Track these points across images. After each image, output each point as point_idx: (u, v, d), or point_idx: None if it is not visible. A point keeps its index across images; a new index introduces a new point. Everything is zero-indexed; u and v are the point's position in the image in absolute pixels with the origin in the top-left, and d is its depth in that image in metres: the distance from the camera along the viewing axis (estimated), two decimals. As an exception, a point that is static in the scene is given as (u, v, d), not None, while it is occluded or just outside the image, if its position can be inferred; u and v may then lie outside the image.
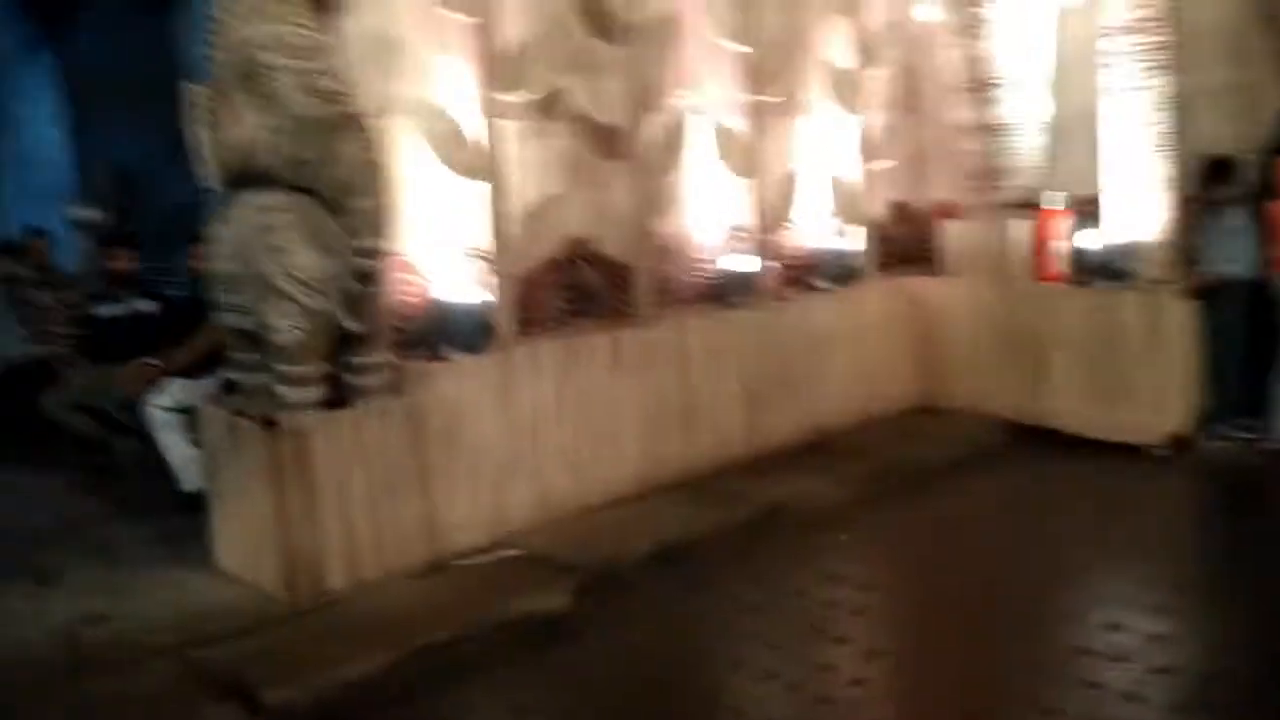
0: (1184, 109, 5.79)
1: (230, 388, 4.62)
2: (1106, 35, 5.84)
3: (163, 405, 5.20)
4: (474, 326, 4.75)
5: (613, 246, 5.28)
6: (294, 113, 3.81)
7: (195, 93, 3.88)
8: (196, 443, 4.86)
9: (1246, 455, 5.79)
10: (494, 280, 4.85)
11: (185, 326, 5.46)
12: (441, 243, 4.85)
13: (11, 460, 6.45)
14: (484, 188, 4.76)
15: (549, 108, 5.11)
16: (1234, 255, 5.80)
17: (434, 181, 4.73)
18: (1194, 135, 5.89)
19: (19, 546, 4.97)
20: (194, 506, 4.70)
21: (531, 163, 5.09)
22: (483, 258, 4.94)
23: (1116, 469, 5.69)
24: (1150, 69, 5.76)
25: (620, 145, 5.34)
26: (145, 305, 5.93)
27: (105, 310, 5.90)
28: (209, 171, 3.94)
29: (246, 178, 3.96)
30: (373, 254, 3.92)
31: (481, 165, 4.73)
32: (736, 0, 5.74)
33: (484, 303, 4.80)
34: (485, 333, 4.79)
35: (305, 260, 3.94)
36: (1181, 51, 5.74)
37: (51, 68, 9.39)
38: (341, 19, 4.21)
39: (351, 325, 4.09)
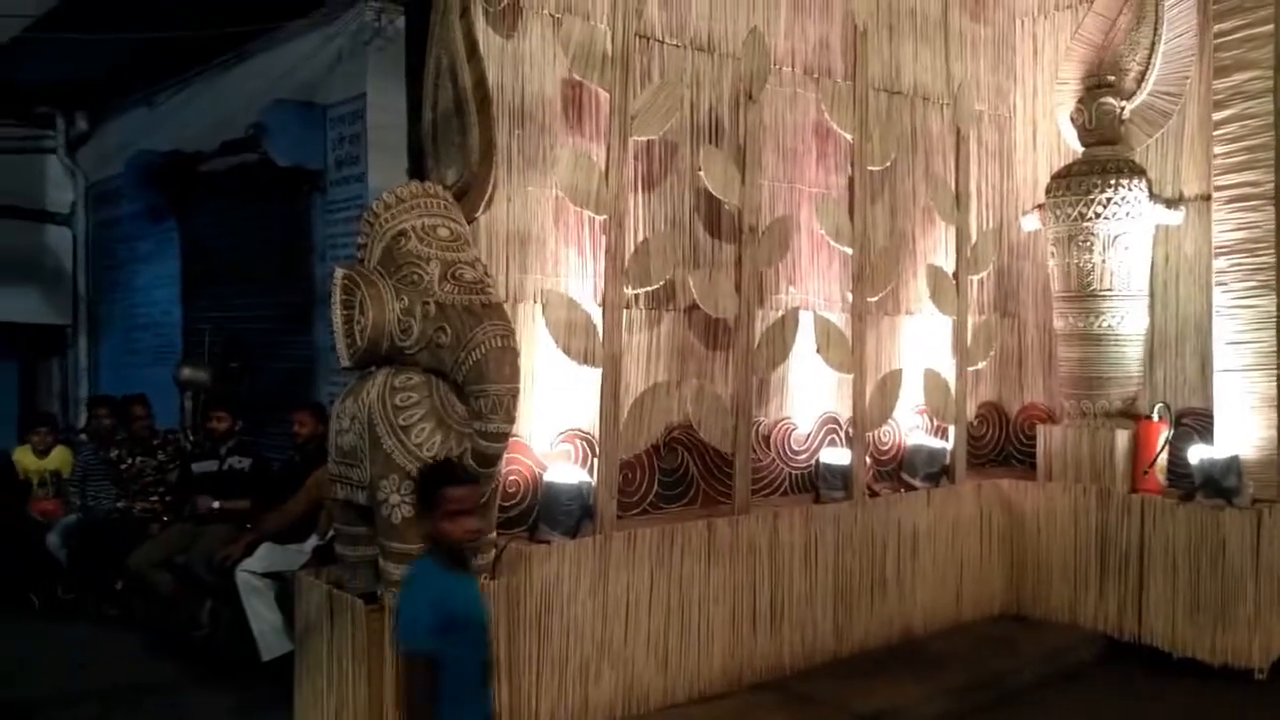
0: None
1: (325, 557, 4.61)
2: (1215, 253, 5.90)
3: (252, 569, 5.20)
4: (575, 509, 4.74)
5: (714, 434, 5.31)
6: (437, 299, 3.93)
7: (338, 274, 4.01)
8: (284, 611, 4.83)
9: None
10: (598, 464, 4.88)
11: (280, 490, 5.53)
12: (550, 425, 4.91)
13: (92, 618, 6.44)
14: (596, 373, 4.84)
15: (664, 299, 5.26)
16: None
17: (550, 366, 4.83)
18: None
19: (89, 709, 4.88)
20: (275, 677, 4.63)
21: (643, 350, 5.20)
22: (589, 441, 4.98)
23: (1214, 692, 5.48)
24: (1255, 288, 5.79)
25: (727, 336, 5.44)
26: (240, 464, 6.03)
27: (200, 468, 5.99)
28: (343, 349, 4.04)
29: (380, 357, 4.06)
30: (496, 437, 3.96)
31: (597, 352, 4.82)
32: (847, 204, 5.92)
33: (586, 486, 4.81)
34: (586, 516, 4.78)
35: (430, 439, 3.99)
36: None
37: (173, 236, 9.91)
38: (484, 214, 4.41)
39: (465, 506, 4.08)
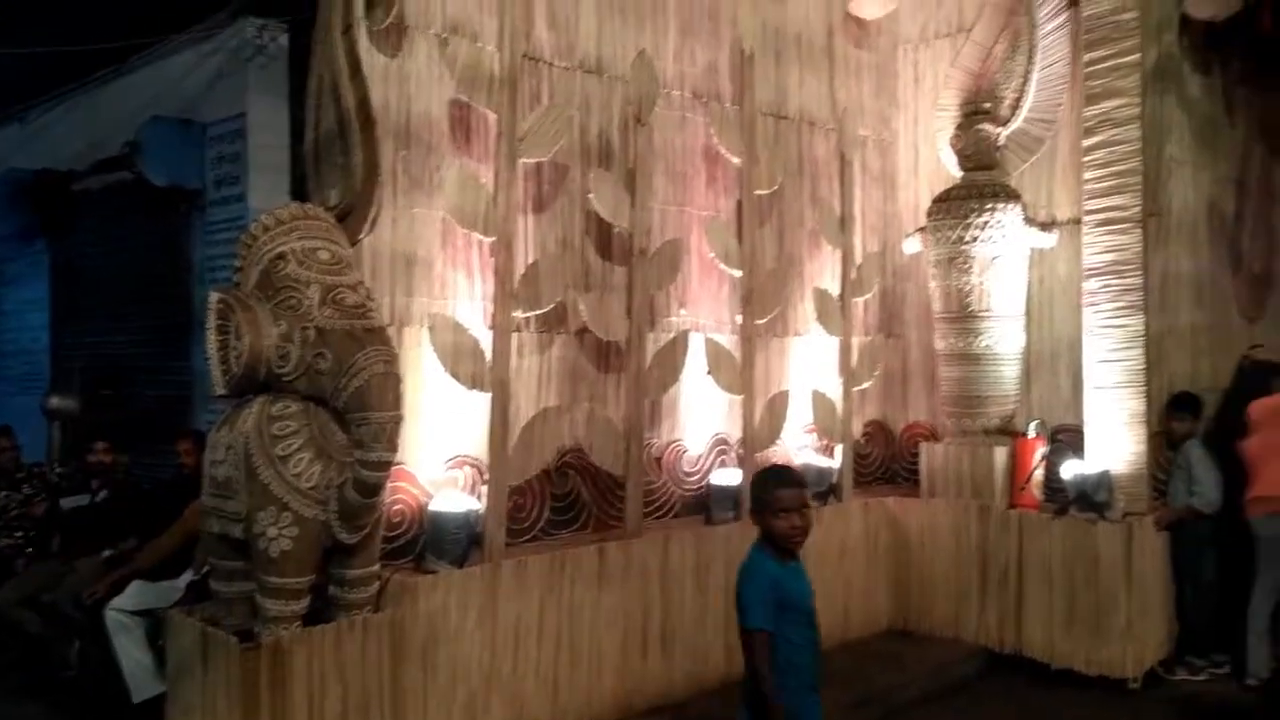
0: (1155, 347, 6.04)
1: (200, 594, 4.42)
2: (1086, 275, 6.12)
3: (122, 607, 4.95)
4: (463, 538, 4.64)
5: (605, 458, 5.28)
6: (317, 324, 3.82)
7: (213, 298, 3.86)
8: (155, 650, 4.61)
9: (1218, 690, 5.81)
10: (487, 491, 4.80)
11: (154, 522, 5.29)
12: (438, 452, 4.82)
13: (-51, 660, 6.07)
14: (485, 398, 4.76)
15: (555, 322, 5.22)
16: (1198, 489, 5.97)
17: (438, 391, 4.74)
18: (1164, 372, 6.16)
19: (-56, 758, 4.61)
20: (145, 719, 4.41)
21: (533, 374, 5.15)
22: (478, 467, 4.90)
23: (1091, 703, 5.66)
24: (1124, 308, 6.02)
25: (619, 359, 5.43)
26: (113, 498, 5.76)
27: (69, 502, 5.70)
28: (218, 376, 3.89)
29: (257, 384, 3.92)
30: (378, 466, 3.85)
31: (486, 376, 4.75)
32: (735, 228, 5.97)
33: (474, 513, 4.72)
34: (474, 544, 4.69)
35: (309, 470, 3.86)
36: (1153, 294, 6.03)
37: (44, 257, 9.48)
38: (368, 236, 4.30)
39: (346, 538, 3.97)
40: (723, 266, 5.93)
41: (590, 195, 5.32)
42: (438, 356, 4.64)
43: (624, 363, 5.42)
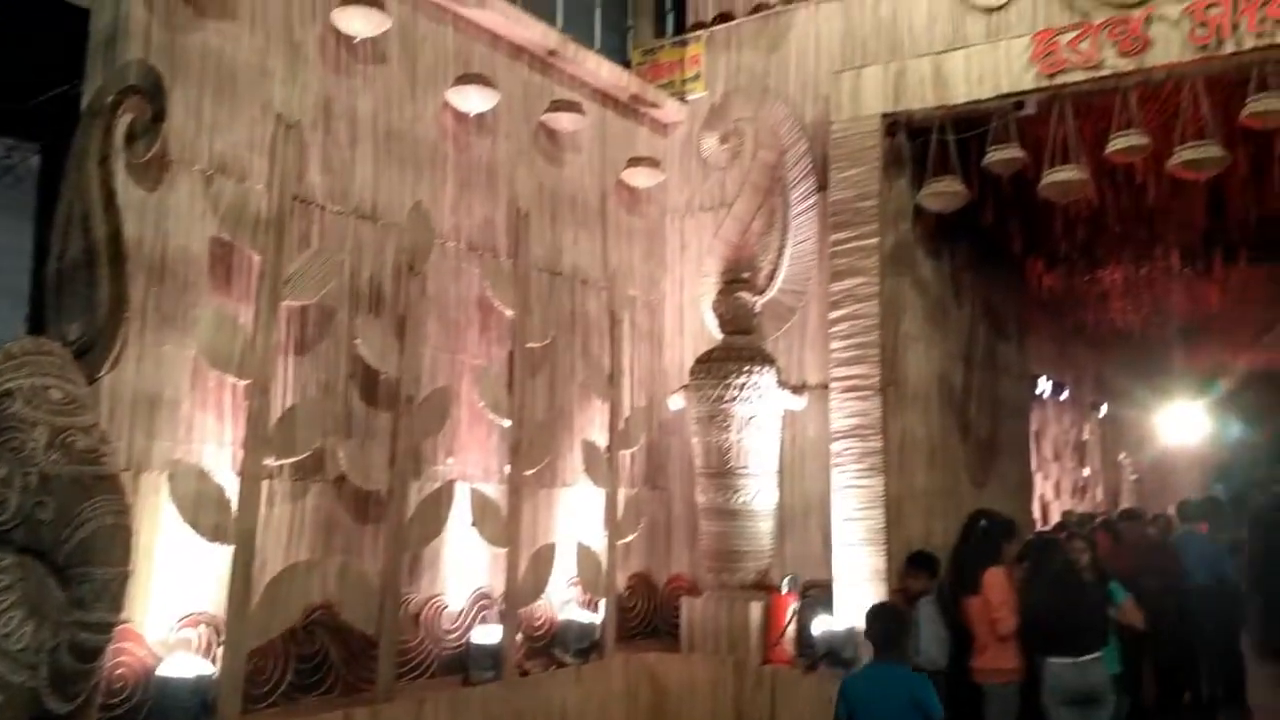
0: (894, 507, 6.44)
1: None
2: (833, 437, 6.50)
3: None
4: (194, 706, 4.27)
5: (357, 616, 5.03)
6: (41, 469, 3.49)
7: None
8: None
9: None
10: (223, 653, 4.45)
11: None
12: (170, 609, 4.45)
13: None
14: (228, 551, 4.47)
15: (311, 470, 5.01)
16: (926, 646, 6.26)
17: (175, 543, 4.41)
18: (902, 532, 6.54)
19: None
20: None
21: (284, 525, 4.89)
22: (214, 627, 4.55)
23: None
24: (866, 470, 6.41)
25: (379, 509, 5.26)
26: None
27: None
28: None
29: (-34, 536, 3.51)
30: (100, 628, 3.50)
31: (230, 528, 4.47)
32: (507, 378, 6.00)
33: (207, 678, 4.36)
34: (205, 712, 4.31)
35: (19, 630, 3.45)
36: (892, 457, 6.47)
37: None
38: (107, 374, 4.03)
39: (57, 707, 3.55)
40: (492, 416, 5.93)
41: (357, 340, 5.23)
42: (176, 506, 4.34)
43: (384, 513, 5.24)
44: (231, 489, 4.53)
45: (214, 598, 4.55)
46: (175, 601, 4.47)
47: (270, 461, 4.71)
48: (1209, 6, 5.60)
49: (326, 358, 5.22)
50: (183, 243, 4.63)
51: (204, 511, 4.40)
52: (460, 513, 5.62)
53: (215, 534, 4.44)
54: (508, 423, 5.94)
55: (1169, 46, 5.71)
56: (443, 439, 5.71)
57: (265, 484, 4.71)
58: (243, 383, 4.65)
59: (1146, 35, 5.74)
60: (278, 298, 4.78)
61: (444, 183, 5.97)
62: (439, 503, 5.46)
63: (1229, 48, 5.56)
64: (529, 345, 6.19)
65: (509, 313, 6.10)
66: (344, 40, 5.43)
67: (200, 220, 4.70)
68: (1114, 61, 5.84)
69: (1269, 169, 6.82)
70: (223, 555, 4.49)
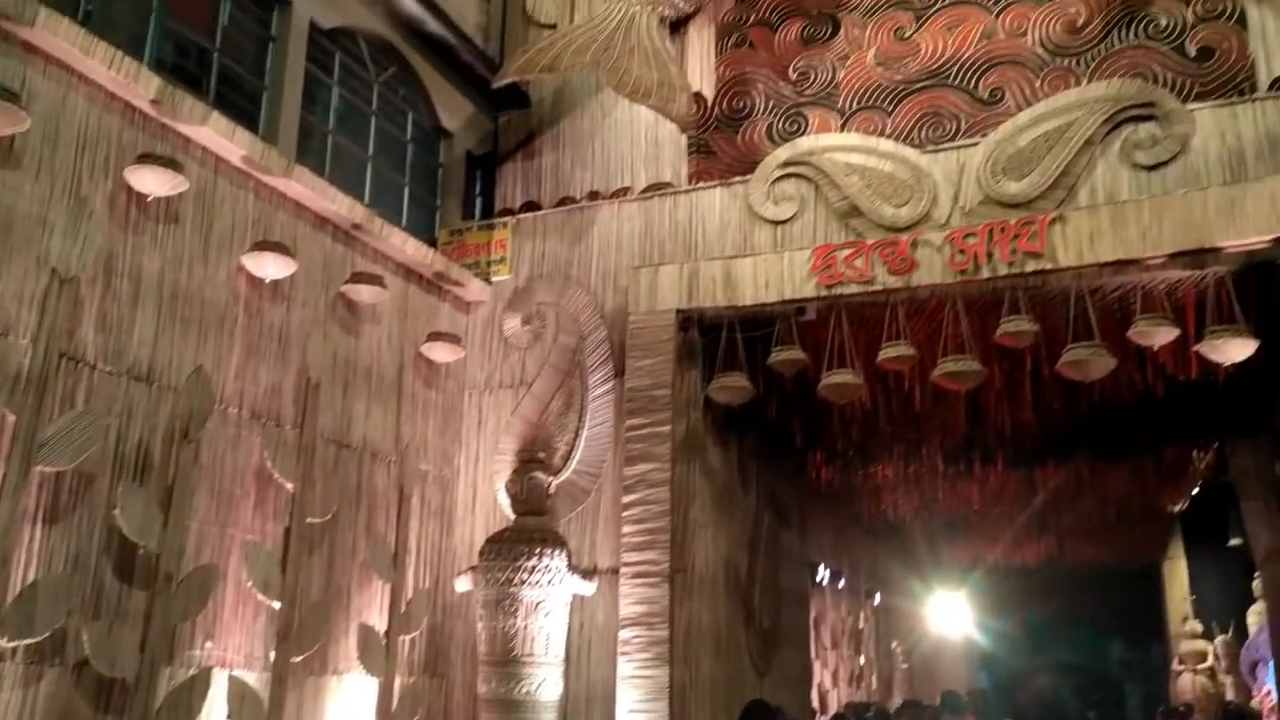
0: (679, 699, 6.38)
1: None
2: (621, 625, 6.44)
3: None
4: None
5: (84, 823, 4.47)
6: None
7: None
8: None
9: None
10: None
11: None
12: None
13: None
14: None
15: (50, 653, 4.50)
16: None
17: None
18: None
19: None
20: None
21: (11, 715, 4.34)
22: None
23: None
24: (652, 660, 6.36)
25: (125, 698, 4.75)
26: None
27: None
28: None
29: None
30: None
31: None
32: (281, 555, 5.68)
33: None
34: None
35: None
36: (678, 645, 6.46)
37: None
38: None
39: None
40: (261, 597, 5.55)
41: (116, 510, 4.85)
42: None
43: (128, 703, 4.75)
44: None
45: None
46: None
47: (2, 643, 4.22)
48: (967, 236, 6.26)
49: (80, 528, 4.79)
50: (-75, 397, 4.24)
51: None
52: (218, 704, 5.16)
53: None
54: (278, 604, 5.58)
55: (933, 269, 6.31)
56: (203, 621, 5.28)
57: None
58: (-22, 555, 4.20)
59: (913, 257, 6.34)
60: (31, 462, 4.40)
61: (230, 347, 5.75)
62: (191, 693, 5.00)
63: (985, 273, 6.20)
64: (309, 520, 5.90)
65: (289, 485, 5.83)
66: (137, 197, 5.26)
67: (-51, 374, 4.32)
68: (884, 278, 6.40)
69: (1021, 384, 7.54)
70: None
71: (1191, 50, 6.46)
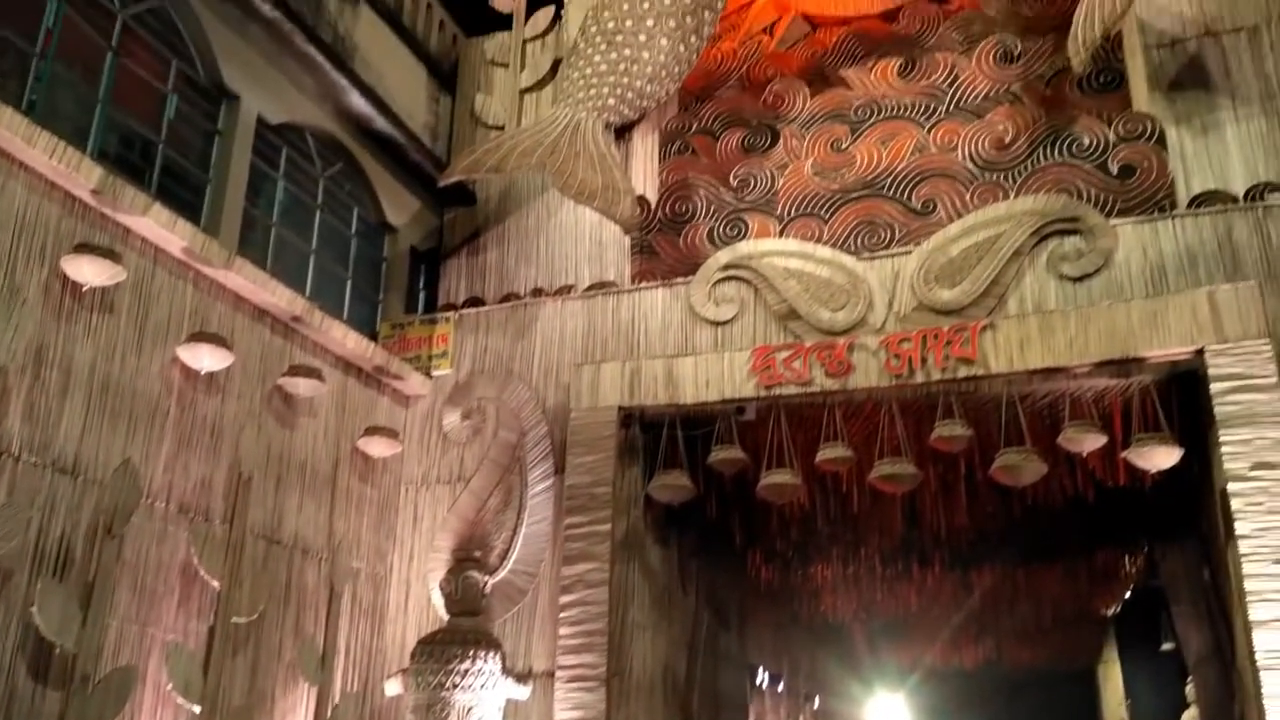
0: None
1: None
2: None
3: None
4: None
5: None
6: None
7: None
8: None
9: None
10: None
11: None
12: None
13: None
14: None
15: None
16: None
17: None
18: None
19: None
20: None
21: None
22: None
23: None
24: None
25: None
26: None
27: None
28: None
29: None
30: None
31: None
32: (204, 656, 5.48)
33: None
34: None
35: None
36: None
37: None
38: None
39: None
40: (181, 700, 5.33)
41: (34, 608, 4.66)
42: None
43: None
44: None
45: None
46: None
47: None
48: (901, 341, 6.40)
49: (-7, 626, 4.60)
50: None
51: None
52: (127, 814, 4.92)
53: None
54: (198, 708, 5.36)
55: (869, 372, 6.43)
56: (116, 725, 5.06)
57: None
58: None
59: (849, 360, 6.46)
60: (-57, 557, 4.23)
61: (161, 440, 5.63)
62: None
63: (919, 378, 6.33)
64: (234, 620, 5.72)
65: (215, 583, 5.66)
66: (72, 286, 5.19)
67: None
68: (822, 380, 6.50)
69: (956, 487, 7.64)
70: None
71: (1114, 168, 6.77)
